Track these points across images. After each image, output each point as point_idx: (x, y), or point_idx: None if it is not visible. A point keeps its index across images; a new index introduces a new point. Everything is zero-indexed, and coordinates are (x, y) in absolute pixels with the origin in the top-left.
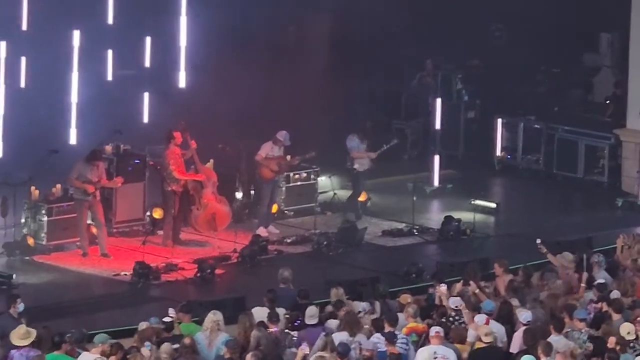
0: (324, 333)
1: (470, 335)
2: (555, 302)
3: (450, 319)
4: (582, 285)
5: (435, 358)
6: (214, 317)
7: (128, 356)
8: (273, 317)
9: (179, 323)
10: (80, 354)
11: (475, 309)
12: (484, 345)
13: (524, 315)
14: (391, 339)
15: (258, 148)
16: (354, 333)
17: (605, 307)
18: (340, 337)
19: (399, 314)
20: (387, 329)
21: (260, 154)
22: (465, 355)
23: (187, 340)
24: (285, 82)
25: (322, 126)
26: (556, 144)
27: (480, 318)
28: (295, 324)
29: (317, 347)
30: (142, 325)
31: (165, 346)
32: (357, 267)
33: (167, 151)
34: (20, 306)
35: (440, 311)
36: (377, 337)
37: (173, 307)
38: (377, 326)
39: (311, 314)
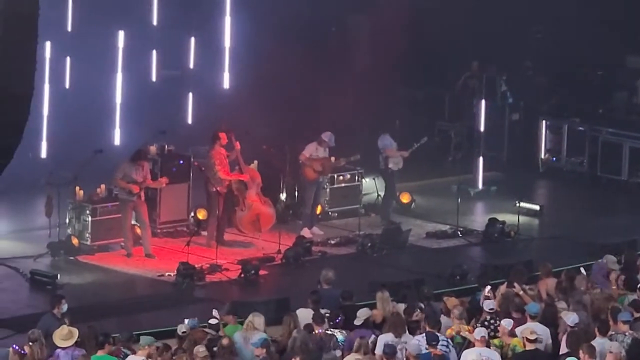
0: (373, 335)
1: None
2: (600, 305)
3: (486, 323)
4: (614, 287)
5: (481, 357)
6: (250, 317)
7: (174, 357)
8: (318, 319)
9: (224, 325)
10: (126, 355)
11: (520, 310)
12: (529, 347)
13: (571, 318)
14: (432, 340)
15: (302, 149)
16: (399, 334)
17: (635, 313)
18: (385, 338)
19: (443, 317)
20: (429, 331)
21: (305, 154)
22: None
23: (225, 341)
24: (330, 84)
25: (366, 128)
26: (600, 146)
27: (507, 323)
28: (337, 321)
29: (352, 348)
30: (181, 328)
31: (199, 348)
32: (401, 269)
33: (212, 152)
34: (64, 307)
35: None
36: (418, 339)
37: (217, 309)
38: (421, 327)
39: (359, 315)
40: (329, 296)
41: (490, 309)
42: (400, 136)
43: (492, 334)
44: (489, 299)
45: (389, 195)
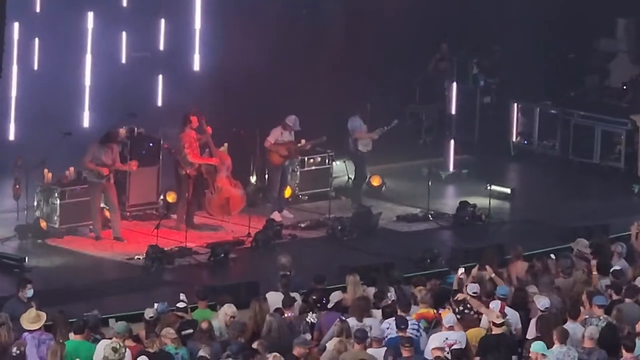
0: (339, 319)
1: (483, 321)
2: (572, 289)
3: (461, 307)
4: (594, 273)
5: (446, 341)
6: (229, 310)
7: (146, 341)
8: (287, 302)
9: (193, 309)
10: (96, 339)
11: (491, 295)
12: (496, 331)
13: (542, 302)
14: (401, 324)
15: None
16: (361, 318)
17: (614, 295)
18: (350, 322)
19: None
20: (400, 314)
21: (269, 139)
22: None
23: (204, 325)
24: (301, 66)
25: (335, 111)
26: (572, 129)
27: (495, 304)
28: (323, 301)
29: (332, 332)
30: (149, 312)
31: (168, 330)
32: (371, 253)
33: (182, 134)
34: (29, 292)
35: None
36: (387, 323)
37: (185, 292)
38: (389, 313)
39: (331, 298)
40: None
41: (474, 293)
42: (371, 119)
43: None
44: (470, 283)
45: (359, 178)
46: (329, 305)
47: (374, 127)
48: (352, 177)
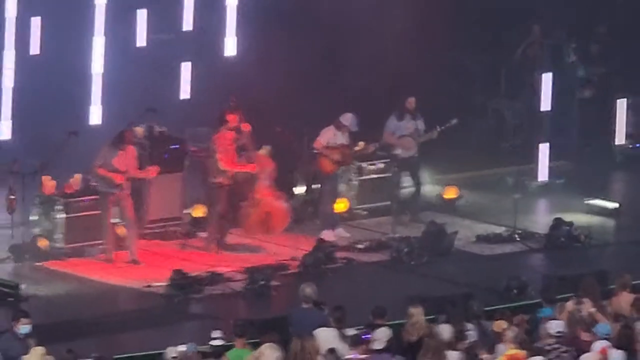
0: None
1: None
2: None
3: (548, 347)
4: None
5: None
6: (270, 354)
7: None
8: (355, 341)
9: (228, 349)
10: None
11: (590, 331)
12: None
13: None
14: None
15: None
16: None
17: None
18: None
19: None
20: (484, 356)
21: (320, 141)
22: None
23: None
24: (358, 51)
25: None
26: None
27: (598, 345)
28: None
29: None
30: (171, 352)
31: None
32: (445, 281)
33: (216, 135)
34: (25, 327)
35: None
36: None
37: (219, 328)
38: (471, 354)
39: (380, 336)
40: (308, 318)
41: (557, 332)
42: (443, 116)
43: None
44: (557, 320)
45: (415, 186)
46: (377, 345)
47: (430, 126)
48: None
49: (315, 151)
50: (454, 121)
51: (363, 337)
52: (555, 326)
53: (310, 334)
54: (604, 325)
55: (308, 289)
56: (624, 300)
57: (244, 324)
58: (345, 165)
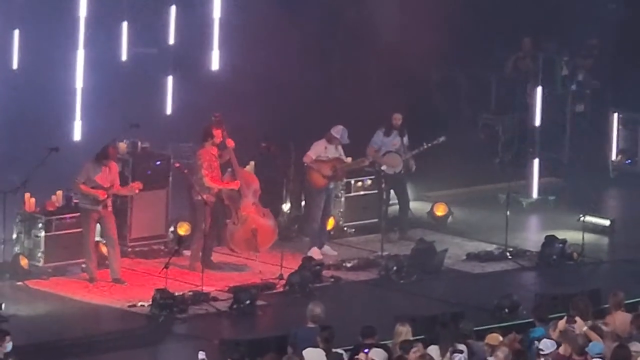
0: None
1: None
2: None
3: None
4: None
5: None
6: None
7: None
8: None
9: None
10: None
11: (583, 353)
12: None
13: None
14: None
15: (310, 147)
16: None
17: None
18: None
19: None
20: None
21: (310, 155)
22: None
23: None
24: (346, 64)
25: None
26: None
27: None
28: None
29: None
30: None
31: None
32: (435, 299)
33: (200, 150)
34: (8, 345)
35: None
36: None
37: (203, 349)
38: None
39: (377, 356)
40: (314, 339)
41: (550, 352)
42: (432, 131)
43: None
44: (548, 339)
45: (402, 203)
46: None
47: (416, 143)
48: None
49: (305, 165)
50: (442, 139)
51: (364, 351)
52: (549, 345)
53: None
54: (597, 344)
55: (318, 309)
56: (619, 319)
57: (228, 345)
58: (336, 180)
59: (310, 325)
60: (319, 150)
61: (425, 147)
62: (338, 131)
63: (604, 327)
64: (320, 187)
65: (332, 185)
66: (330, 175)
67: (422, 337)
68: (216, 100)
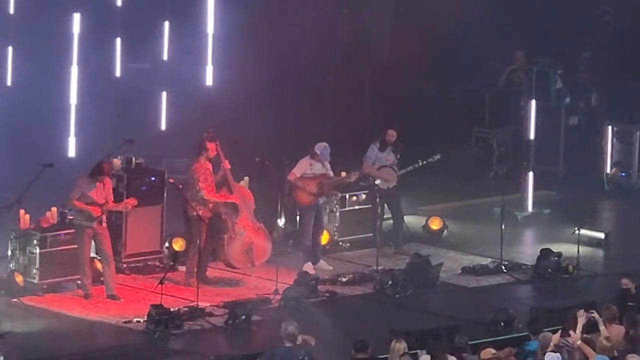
0: None
1: None
2: None
3: None
4: None
5: None
6: None
7: None
8: None
9: None
10: None
11: None
12: None
13: None
14: None
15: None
16: None
17: None
18: None
19: None
20: None
21: (295, 172)
22: None
23: None
24: (340, 80)
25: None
26: None
27: None
28: None
29: None
30: None
31: None
32: (430, 313)
33: (195, 165)
34: None
35: None
36: None
37: None
38: None
39: None
40: (289, 358)
41: None
42: (426, 146)
43: None
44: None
45: (396, 218)
46: None
47: (411, 158)
48: (406, 217)
49: (291, 183)
50: (437, 156)
51: None
52: (555, 359)
53: None
54: (602, 358)
55: (290, 327)
56: (613, 332)
57: None
58: (323, 196)
59: (287, 344)
60: (304, 167)
61: (420, 164)
62: (320, 147)
63: (604, 342)
64: (307, 204)
65: (321, 201)
66: (316, 192)
67: (417, 351)
68: (210, 116)
